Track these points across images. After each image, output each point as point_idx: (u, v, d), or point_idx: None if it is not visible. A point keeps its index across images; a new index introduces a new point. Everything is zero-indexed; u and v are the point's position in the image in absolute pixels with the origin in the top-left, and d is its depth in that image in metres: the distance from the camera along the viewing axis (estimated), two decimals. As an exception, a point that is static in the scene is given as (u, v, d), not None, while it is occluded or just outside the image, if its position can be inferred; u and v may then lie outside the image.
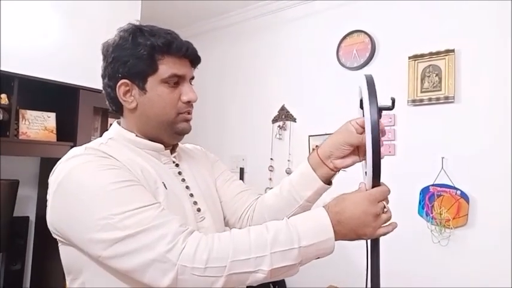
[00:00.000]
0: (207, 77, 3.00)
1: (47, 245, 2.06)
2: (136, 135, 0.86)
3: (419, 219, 1.99)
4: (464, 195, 1.87)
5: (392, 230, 0.74)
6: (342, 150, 0.84)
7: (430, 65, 2.03)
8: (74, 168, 0.73)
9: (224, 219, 1.00)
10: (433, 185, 1.96)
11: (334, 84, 2.42)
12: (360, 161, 0.85)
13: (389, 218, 0.74)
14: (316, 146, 2.42)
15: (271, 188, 1.02)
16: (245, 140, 2.87)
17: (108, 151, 0.78)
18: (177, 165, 0.91)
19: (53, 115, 2.04)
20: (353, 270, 2.10)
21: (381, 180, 0.74)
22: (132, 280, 0.70)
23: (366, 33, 2.29)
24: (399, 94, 2.09)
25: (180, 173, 0.90)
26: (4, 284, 2.03)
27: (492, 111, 1.85)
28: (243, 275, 0.67)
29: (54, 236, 0.78)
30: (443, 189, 1.93)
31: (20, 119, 1.92)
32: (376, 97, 0.71)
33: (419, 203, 2.00)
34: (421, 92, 2.05)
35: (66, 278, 0.81)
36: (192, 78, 0.89)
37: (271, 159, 2.68)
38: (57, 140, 2.02)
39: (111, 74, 0.84)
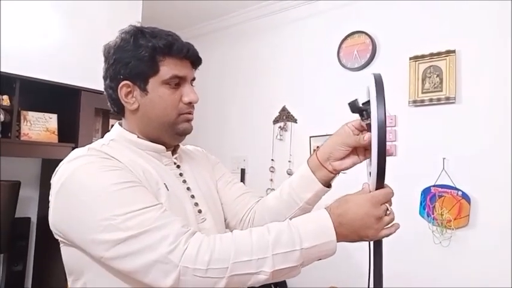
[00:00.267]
0: (207, 78, 3.00)
1: (49, 246, 2.06)
2: (138, 137, 0.86)
3: (421, 220, 1.99)
4: (465, 196, 1.86)
5: (394, 232, 0.74)
6: (340, 152, 0.84)
7: (430, 66, 2.03)
8: (76, 169, 0.73)
9: (225, 221, 1.00)
10: (434, 186, 1.96)
11: (335, 85, 2.42)
12: (360, 162, 0.85)
13: (391, 220, 0.74)
14: (317, 147, 2.43)
15: (273, 189, 1.03)
16: (246, 141, 2.87)
17: (110, 152, 0.78)
18: (178, 166, 0.91)
19: (54, 116, 2.05)
20: (354, 272, 2.10)
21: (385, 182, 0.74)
22: (134, 281, 0.70)
23: (366, 34, 2.29)
24: (400, 95, 2.10)
25: (181, 174, 0.90)
26: (6, 284, 2.03)
27: (493, 112, 1.85)
28: (244, 276, 0.67)
29: (56, 236, 0.78)
30: (445, 190, 1.92)
31: (22, 120, 1.92)
32: (384, 96, 0.70)
33: (421, 203, 2.00)
34: (422, 92, 2.05)
35: (67, 278, 0.81)
36: (193, 79, 0.89)
37: (272, 160, 2.68)
38: (59, 141, 2.02)
39: (112, 76, 0.84)
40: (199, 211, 0.88)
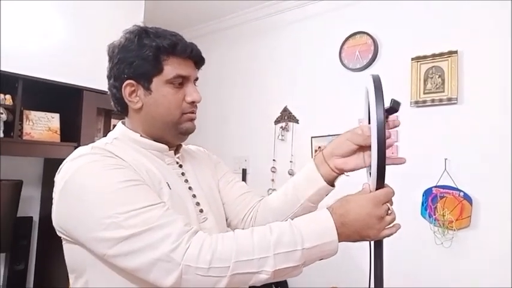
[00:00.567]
0: (210, 79, 3.00)
1: (51, 245, 2.07)
2: (141, 136, 0.87)
3: (422, 221, 1.99)
4: (467, 197, 1.86)
5: (395, 232, 0.74)
6: (344, 148, 0.84)
7: (432, 67, 2.03)
8: (80, 167, 0.74)
9: (226, 220, 1.00)
10: (436, 187, 1.96)
11: (336, 85, 2.42)
12: (364, 167, 0.84)
13: (393, 220, 0.74)
14: (319, 147, 2.44)
15: (274, 189, 1.03)
16: (247, 141, 2.87)
17: (114, 151, 0.79)
18: (180, 166, 0.91)
19: (56, 116, 2.05)
20: (355, 272, 2.10)
21: (385, 182, 0.74)
22: (136, 279, 0.70)
23: (368, 34, 2.29)
24: (402, 95, 2.09)
25: (183, 173, 0.91)
26: (8, 284, 2.03)
27: (495, 113, 1.85)
28: (246, 275, 0.67)
29: (59, 234, 0.79)
30: (446, 190, 1.92)
31: (24, 120, 1.93)
32: (383, 97, 0.70)
33: (422, 204, 2.00)
34: (424, 93, 2.05)
35: (69, 276, 0.82)
36: (196, 79, 0.90)
37: (274, 160, 2.68)
38: (61, 141, 2.02)
39: (116, 75, 0.85)
40: (201, 211, 0.88)
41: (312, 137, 2.48)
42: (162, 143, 0.88)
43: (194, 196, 0.89)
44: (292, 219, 0.74)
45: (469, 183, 1.88)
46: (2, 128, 1.82)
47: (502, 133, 1.81)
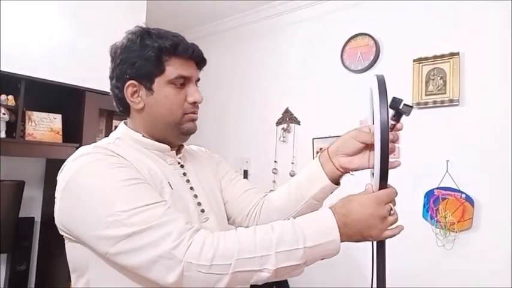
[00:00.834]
0: (212, 80, 3.01)
1: (52, 245, 2.07)
2: (143, 136, 0.87)
3: (424, 223, 1.99)
4: (469, 199, 1.86)
5: (398, 233, 0.74)
6: (349, 146, 0.83)
7: (434, 68, 2.03)
8: (82, 167, 0.74)
9: (230, 218, 1.01)
10: (437, 188, 1.96)
11: (338, 87, 2.42)
12: (368, 167, 0.84)
13: (395, 221, 0.74)
14: (321, 148, 2.43)
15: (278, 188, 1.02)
16: (249, 142, 2.87)
17: (116, 150, 0.79)
18: (182, 166, 0.92)
19: (59, 116, 2.06)
20: (357, 272, 2.10)
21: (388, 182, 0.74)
22: (138, 277, 0.71)
23: (370, 36, 2.29)
24: (404, 97, 2.07)
25: (185, 174, 0.91)
26: (9, 284, 2.04)
27: (497, 114, 1.84)
28: (247, 273, 0.67)
29: (62, 233, 0.79)
30: (448, 192, 1.92)
31: (27, 120, 1.93)
32: (387, 97, 0.70)
33: (424, 206, 2.00)
34: (426, 94, 2.05)
35: (71, 275, 0.82)
36: (198, 79, 0.90)
37: (275, 161, 2.68)
38: (63, 141, 2.03)
39: (119, 75, 0.85)
40: (202, 211, 0.88)
41: (313, 139, 2.48)
42: (164, 143, 0.88)
43: (195, 196, 0.89)
44: (294, 218, 0.74)
45: (470, 185, 1.87)
46: (5, 129, 1.83)
47: (504, 135, 1.81)
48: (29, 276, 2.14)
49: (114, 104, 0.91)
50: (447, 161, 1.94)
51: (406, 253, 1.96)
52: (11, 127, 1.85)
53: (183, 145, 0.95)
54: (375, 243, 0.77)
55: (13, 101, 1.86)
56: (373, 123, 0.77)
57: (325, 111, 2.46)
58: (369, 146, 0.83)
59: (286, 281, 2.39)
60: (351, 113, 2.20)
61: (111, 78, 0.88)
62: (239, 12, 2.89)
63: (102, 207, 0.69)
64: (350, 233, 0.71)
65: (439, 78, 2.01)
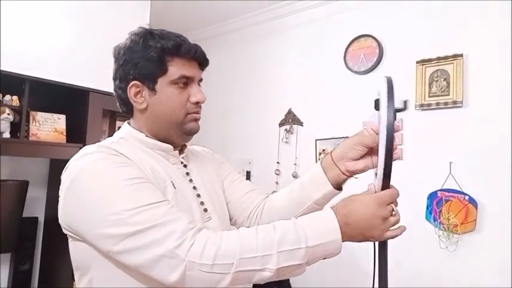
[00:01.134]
0: (214, 80, 3.01)
1: (55, 245, 2.08)
2: (146, 135, 0.88)
3: (427, 225, 1.98)
4: (472, 201, 1.85)
5: (400, 234, 0.74)
6: (355, 151, 0.84)
7: (438, 70, 2.03)
8: (86, 166, 0.75)
9: (232, 219, 1.01)
10: (441, 190, 1.95)
11: (341, 88, 2.42)
12: (373, 167, 0.84)
13: (397, 221, 0.74)
14: (323, 150, 2.44)
15: (279, 190, 1.02)
16: (252, 143, 2.87)
17: (120, 149, 0.80)
18: (185, 165, 0.92)
19: (63, 117, 2.07)
20: (359, 273, 2.09)
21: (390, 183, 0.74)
22: (141, 276, 0.71)
23: (373, 37, 2.29)
24: (407, 98, 2.09)
25: (188, 173, 0.91)
26: (13, 283, 2.05)
27: (500, 116, 1.84)
28: (249, 272, 0.68)
29: (65, 231, 0.79)
30: (451, 194, 1.91)
31: (31, 121, 1.94)
32: (394, 99, 0.71)
33: (427, 208, 1.99)
34: (429, 96, 2.04)
35: (74, 274, 0.82)
36: (201, 80, 0.91)
37: (278, 163, 2.68)
38: (67, 142, 2.04)
39: (122, 76, 0.86)
40: (205, 210, 0.89)
41: (316, 140, 2.48)
42: (167, 143, 0.89)
43: (198, 196, 0.89)
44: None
45: (474, 187, 1.86)
46: (9, 129, 1.84)
47: (508, 137, 1.80)
48: (32, 275, 2.15)
49: (118, 104, 0.91)
50: (450, 162, 1.93)
51: (408, 255, 1.95)
52: (15, 127, 1.87)
53: (186, 145, 0.96)
54: (377, 244, 0.77)
55: (17, 101, 1.87)
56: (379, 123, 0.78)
57: (328, 113, 2.46)
58: (372, 148, 0.83)
59: (288, 282, 2.39)
60: (354, 115, 2.20)
61: (114, 79, 0.89)
62: (241, 14, 2.90)
63: (105, 206, 0.70)
64: (351, 233, 0.71)
65: (442, 79, 2.01)
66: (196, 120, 0.89)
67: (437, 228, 1.94)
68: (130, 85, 0.85)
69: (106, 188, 0.71)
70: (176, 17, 2.91)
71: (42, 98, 2.01)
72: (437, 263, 1.95)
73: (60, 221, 0.78)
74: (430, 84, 2.05)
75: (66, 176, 0.77)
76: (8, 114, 1.82)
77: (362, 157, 0.84)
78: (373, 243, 0.77)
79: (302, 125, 2.61)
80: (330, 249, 0.70)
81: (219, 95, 3.07)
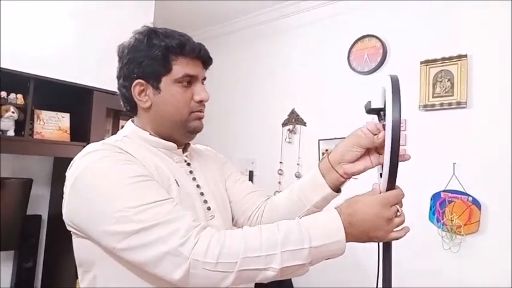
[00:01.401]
0: (217, 80, 3.02)
1: (59, 243, 2.09)
2: (150, 134, 0.88)
3: (430, 225, 1.97)
4: (475, 202, 1.84)
5: (404, 235, 0.74)
6: (352, 153, 0.83)
7: (442, 70, 2.02)
8: (91, 163, 0.75)
9: (233, 219, 1.01)
10: (444, 191, 1.94)
11: (344, 88, 2.42)
12: (372, 167, 0.84)
13: (402, 222, 0.74)
14: (326, 150, 2.43)
15: (280, 192, 1.03)
16: (255, 143, 2.87)
17: (124, 147, 0.80)
18: (188, 164, 0.92)
19: (67, 115, 2.08)
20: (362, 274, 2.08)
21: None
22: (144, 273, 0.71)
23: (377, 37, 2.28)
24: (411, 99, 2.09)
25: (191, 172, 0.91)
26: (16, 281, 2.06)
27: (505, 117, 1.83)
28: (253, 271, 0.68)
29: (69, 228, 0.80)
30: (455, 195, 1.91)
31: (35, 119, 1.95)
32: (400, 97, 0.70)
33: (430, 208, 1.98)
34: (433, 97, 2.04)
35: (77, 270, 0.83)
36: (204, 78, 0.91)
37: (281, 162, 2.68)
38: (71, 140, 2.05)
39: (126, 75, 0.86)
40: (208, 208, 0.89)
41: (319, 140, 2.48)
42: (170, 141, 0.89)
43: (202, 194, 0.89)
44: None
45: (477, 188, 1.86)
46: (13, 127, 1.85)
47: (512, 138, 1.80)
48: (36, 273, 2.16)
49: (121, 103, 0.92)
50: (454, 163, 1.93)
51: (411, 256, 1.94)
52: (19, 125, 1.87)
53: (189, 144, 0.96)
54: (381, 246, 0.76)
55: (22, 100, 1.88)
56: (379, 120, 0.78)
57: (332, 113, 2.46)
58: (369, 150, 0.84)
59: (291, 283, 2.38)
60: (357, 115, 2.17)
61: (118, 77, 0.89)
62: (244, 14, 2.90)
63: (110, 203, 0.70)
64: (355, 234, 0.71)
65: (446, 80, 2.00)
66: (200, 118, 0.89)
67: (440, 229, 1.94)
68: (134, 84, 0.85)
69: (110, 185, 0.72)
70: (180, 16, 2.91)
71: (47, 97, 2.01)
72: (440, 264, 1.94)
73: (64, 218, 0.79)
74: (434, 85, 2.04)
75: (70, 173, 0.77)
76: (13, 112, 1.83)
77: (360, 158, 0.84)
78: (377, 244, 0.76)
79: (305, 125, 2.61)
80: (334, 249, 0.70)
81: (222, 95, 3.07)
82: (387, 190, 0.73)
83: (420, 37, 2.13)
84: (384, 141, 0.73)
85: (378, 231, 0.71)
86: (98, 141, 0.83)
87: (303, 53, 2.67)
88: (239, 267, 0.66)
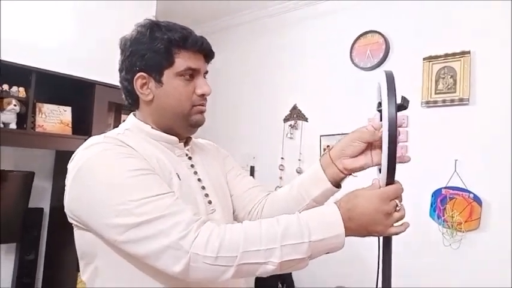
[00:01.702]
0: (219, 75, 3.01)
1: (61, 236, 2.10)
2: (152, 127, 0.88)
3: (431, 222, 1.98)
4: (477, 199, 1.84)
5: (404, 230, 0.74)
6: (353, 148, 0.84)
7: (444, 67, 2.01)
8: (93, 155, 0.75)
9: (234, 213, 1.01)
10: (445, 188, 1.94)
11: (346, 84, 2.41)
12: (372, 165, 0.84)
13: (402, 217, 0.74)
14: (328, 146, 2.43)
15: (281, 187, 1.03)
16: (256, 138, 2.87)
17: (126, 140, 0.80)
18: (190, 158, 0.92)
19: (68, 109, 2.08)
20: (362, 271, 2.09)
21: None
22: (145, 266, 0.72)
23: (380, 33, 2.27)
24: (413, 95, 2.07)
25: (192, 165, 0.91)
26: (18, 273, 2.07)
27: (507, 114, 1.82)
28: (253, 265, 0.68)
29: (71, 220, 0.80)
30: (456, 192, 1.91)
31: (37, 112, 1.96)
32: (395, 93, 0.70)
33: (431, 205, 1.99)
34: (436, 93, 2.03)
35: (79, 262, 0.83)
36: (206, 72, 0.91)
37: (282, 158, 2.68)
38: (73, 134, 2.05)
39: (128, 68, 0.86)
40: (209, 202, 0.89)
41: (320, 136, 2.48)
42: (172, 135, 0.89)
43: (203, 188, 0.90)
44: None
45: (479, 185, 1.86)
46: (15, 120, 1.86)
47: (514, 135, 1.79)
48: (38, 265, 2.17)
49: (123, 96, 0.91)
50: (456, 160, 1.92)
51: (412, 252, 1.95)
52: (21, 118, 1.88)
53: (191, 138, 0.96)
54: (381, 241, 0.76)
55: (24, 93, 1.88)
56: (381, 119, 0.77)
57: (333, 109, 2.45)
58: (371, 145, 0.83)
59: (292, 280, 2.38)
60: (359, 111, 2.18)
61: (120, 70, 0.89)
62: (248, 8, 2.89)
63: (111, 196, 0.70)
64: (355, 228, 0.71)
65: (449, 77, 2.00)
66: (202, 112, 0.89)
67: (441, 225, 1.94)
68: (136, 76, 0.85)
69: (112, 178, 0.72)
70: (185, 9, 2.90)
71: (49, 90, 2.02)
72: (440, 260, 1.95)
73: (66, 210, 0.79)
74: (437, 81, 2.03)
75: (72, 165, 0.77)
76: (15, 105, 1.83)
77: (361, 154, 0.84)
78: (377, 239, 0.76)
79: (307, 121, 2.60)
80: (333, 243, 0.70)
81: (224, 90, 3.06)
82: (387, 185, 0.73)
83: (423, 33, 2.12)
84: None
85: (377, 225, 0.71)
86: (99, 135, 0.83)
87: (305, 48, 2.66)
88: (239, 261, 0.67)
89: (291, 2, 2.69)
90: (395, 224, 0.73)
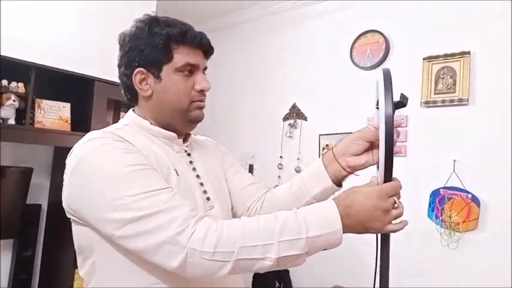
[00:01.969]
0: (219, 73, 3.01)
1: (58, 232, 2.10)
2: (151, 123, 0.88)
3: (429, 222, 1.98)
4: (475, 199, 1.85)
5: (402, 228, 0.74)
6: (357, 146, 0.85)
7: (444, 67, 2.01)
8: (91, 150, 0.75)
9: (232, 209, 1.01)
10: (443, 188, 1.95)
11: (346, 83, 2.41)
12: (374, 164, 0.85)
13: (400, 214, 0.74)
14: (327, 145, 2.43)
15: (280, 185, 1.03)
16: (255, 137, 2.87)
17: (124, 136, 0.80)
18: (188, 154, 0.92)
19: (68, 105, 2.08)
20: (360, 270, 2.09)
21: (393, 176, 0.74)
22: (143, 261, 0.72)
23: (380, 33, 2.27)
24: (412, 95, 2.06)
25: (191, 162, 0.91)
26: (15, 269, 2.07)
27: (506, 115, 1.83)
28: (250, 261, 0.68)
29: (69, 215, 0.80)
30: (454, 192, 1.91)
31: (36, 108, 1.95)
32: (392, 90, 0.71)
33: (429, 205, 1.99)
34: (435, 93, 2.03)
35: (77, 258, 0.83)
36: (205, 68, 0.91)
37: (281, 157, 2.68)
38: (72, 130, 2.05)
39: (127, 63, 0.86)
40: (208, 198, 0.89)
41: (320, 135, 2.48)
42: (171, 131, 0.89)
43: (202, 184, 0.90)
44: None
45: (477, 185, 1.86)
46: (14, 116, 1.85)
47: (513, 136, 1.79)
48: (35, 261, 2.17)
49: (122, 91, 0.91)
50: (454, 160, 1.93)
51: (410, 252, 1.95)
52: (20, 114, 1.87)
53: (190, 134, 0.96)
54: (379, 238, 0.76)
55: (23, 88, 1.87)
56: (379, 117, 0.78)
57: (333, 108, 2.45)
58: (373, 144, 0.84)
59: (289, 280, 2.38)
60: (359, 110, 2.19)
61: (119, 66, 0.89)
62: (249, 7, 2.89)
63: (109, 191, 0.70)
64: (352, 224, 0.71)
65: (448, 77, 2.00)
66: (201, 108, 0.89)
67: (439, 226, 1.94)
68: (135, 72, 0.85)
69: (110, 173, 0.72)
70: (185, 7, 2.89)
71: (48, 86, 2.01)
72: (438, 260, 1.95)
73: (64, 205, 0.79)
74: (436, 81, 2.03)
75: (70, 160, 0.77)
76: (14, 100, 1.82)
77: (363, 152, 0.85)
78: (375, 237, 0.76)
79: (306, 120, 2.60)
80: (331, 239, 0.70)
81: (224, 88, 3.06)
82: (385, 182, 0.73)
83: (423, 33, 2.12)
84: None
85: (375, 222, 0.71)
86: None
87: (305, 47, 2.66)
88: (236, 257, 0.67)
89: (291, 1, 2.69)
90: (393, 222, 0.73)
